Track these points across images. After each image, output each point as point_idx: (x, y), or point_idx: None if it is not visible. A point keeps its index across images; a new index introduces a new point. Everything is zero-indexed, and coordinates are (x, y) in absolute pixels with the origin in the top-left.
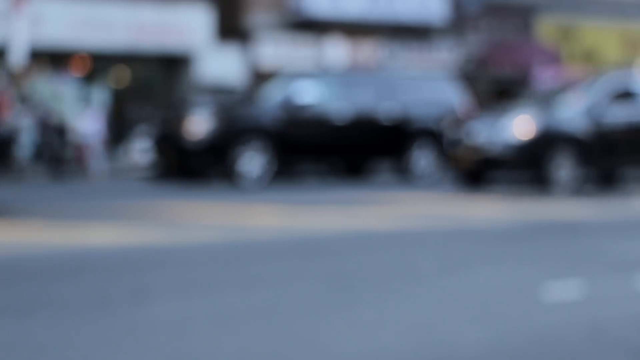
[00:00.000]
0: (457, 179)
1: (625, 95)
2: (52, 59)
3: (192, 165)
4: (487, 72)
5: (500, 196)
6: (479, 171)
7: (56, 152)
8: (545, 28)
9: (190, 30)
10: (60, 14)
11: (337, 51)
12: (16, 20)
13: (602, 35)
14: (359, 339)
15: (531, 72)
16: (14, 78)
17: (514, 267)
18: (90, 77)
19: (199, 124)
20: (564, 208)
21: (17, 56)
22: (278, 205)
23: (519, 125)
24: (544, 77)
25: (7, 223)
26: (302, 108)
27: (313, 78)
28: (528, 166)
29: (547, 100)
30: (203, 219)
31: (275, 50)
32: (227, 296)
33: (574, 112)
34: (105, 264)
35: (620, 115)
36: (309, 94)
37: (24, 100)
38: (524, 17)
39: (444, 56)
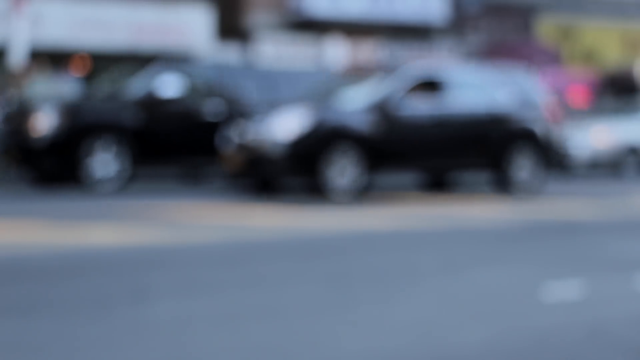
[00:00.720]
0: (241, 183)
1: (429, 85)
2: (52, 59)
3: (36, 166)
4: None
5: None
6: (247, 173)
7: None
8: (545, 28)
9: (190, 30)
10: (60, 14)
11: (337, 51)
12: (16, 20)
13: (602, 35)
14: (360, 339)
15: (531, 72)
16: (14, 78)
17: (514, 267)
18: (90, 77)
19: (42, 120)
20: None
21: (17, 56)
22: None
23: (288, 121)
24: (544, 76)
25: (7, 223)
26: (166, 103)
27: (181, 71)
28: (301, 169)
29: (335, 92)
30: (203, 218)
31: (275, 50)
32: (228, 296)
33: (363, 106)
34: (105, 264)
35: (422, 108)
36: (175, 88)
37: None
38: (524, 17)
39: (444, 56)
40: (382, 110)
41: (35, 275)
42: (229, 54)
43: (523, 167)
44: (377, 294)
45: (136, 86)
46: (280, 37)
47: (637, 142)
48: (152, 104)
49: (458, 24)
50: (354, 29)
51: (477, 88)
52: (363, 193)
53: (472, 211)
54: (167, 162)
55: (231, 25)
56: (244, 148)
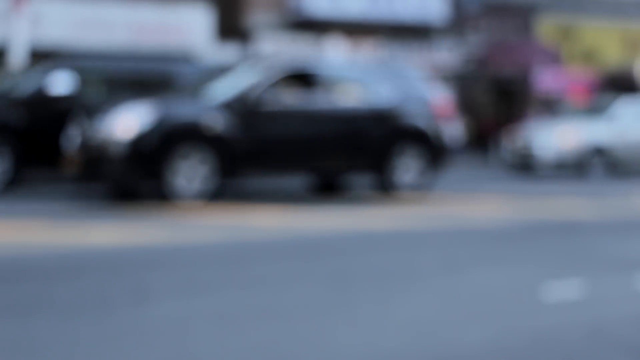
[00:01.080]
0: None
1: (300, 79)
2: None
3: None
4: (487, 72)
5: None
6: (87, 175)
7: None
8: (545, 28)
9: (190, 30)
10: (60, 14)
11: (337, 51)
12: (16, 20)
13: (602, 35)
14: (360, 339)
15: (531, 72)
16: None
17: (514, 267)
18: None
19: None
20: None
21: (17, 56)
22: None
23: (128, 118)
24: (544, 76)
25: (7, 223)
26: (56, 101)
27: (75, 67)
28: (143, 171)
29: (202, 86)
30: (203, 218)
31: (275, 50)
32: (228, 296)
33: (219, 101)
34: (105, 264)
35: (290, 104)
36: (66, 85)
37: None
38: (524, 17)
39: (444, 56)
40: (242, 105)
41: (35, 275)
42: (229, 53)
43: (408, 167)
44: (377, 294)
45: (25, 83)
46: (280, 37)
47: (603, 142)
48: (40, 102)
49: (458, 24)
50: (354, 29)
51: (356, 82)
52: (216, 199)
53: (472, 211)
54: (55, 163)
55: (231, 25)
56: (84, 148)
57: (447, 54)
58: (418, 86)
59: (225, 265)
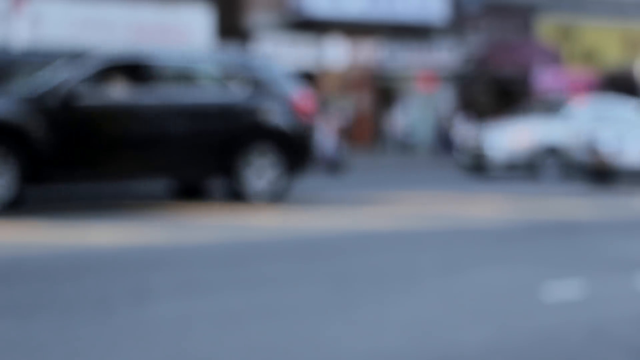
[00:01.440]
0: None
1: (131, 71)
2: None
3: None
4: (487, 72)
5: None
6: None
7: None
8: (545, 28)
9: (190, 30)
10: (60, 14)
11: (337, 51)
12: (16, 20)
13: (602, 35)
14: (360, 339)
15: (531, 72)
16: None
17: (515, 267)
18: None
19: None
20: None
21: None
22: None
23: None
24: (544, 76)
25: (7, 223)
26: None
27: None
28: None
29: (14, 81)
30: (203, 218)
31: (276, 50)
32: (228, 296)
33: (28, 95)
34: (105, 264)
35: (117, 99)
36: None
37: None
38: (524, 17)
39: (444, 56)
40: (52, 101)
41: (35, 275)
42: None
43: (262, 170)
44: (378, 294)
45: None
46: (280, 37)
47: (557, 142)
48: None
49: (458, 24)
50: (354, 29)
51: (200, 75)
52: (13, 206)
53: (472, 211)
54: None
55: (231, 25)
56: None
57: (447, 54)
58: (275, 80)
59: (225, 265)
